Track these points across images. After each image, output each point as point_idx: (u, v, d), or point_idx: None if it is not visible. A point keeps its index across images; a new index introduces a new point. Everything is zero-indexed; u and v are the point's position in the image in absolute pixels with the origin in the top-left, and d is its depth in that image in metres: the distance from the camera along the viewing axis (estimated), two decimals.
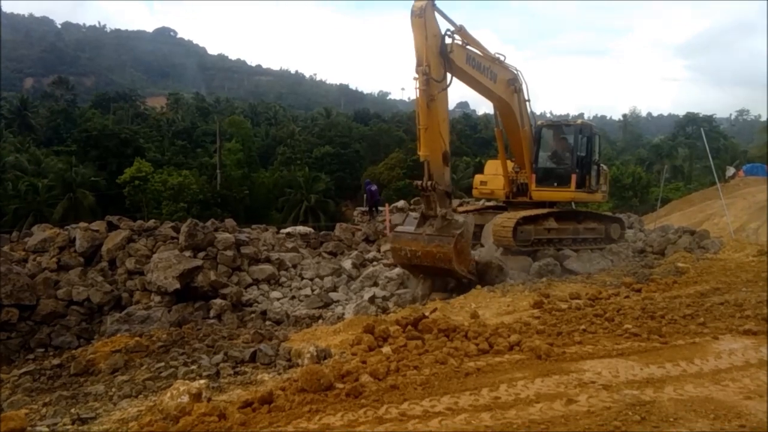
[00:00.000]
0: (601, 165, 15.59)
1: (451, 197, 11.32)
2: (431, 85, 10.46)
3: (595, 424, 4.14)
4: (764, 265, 12.06)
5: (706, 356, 5.82)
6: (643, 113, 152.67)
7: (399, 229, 11.72)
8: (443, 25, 11.06)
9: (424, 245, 10.85)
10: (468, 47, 11.71)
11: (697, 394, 4.75)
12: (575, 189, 14.10)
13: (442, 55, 10.84)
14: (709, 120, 73.97)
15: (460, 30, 11.57)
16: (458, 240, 10.64)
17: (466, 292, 10.57)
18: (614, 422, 4.15)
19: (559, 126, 15.95)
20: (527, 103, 14.23)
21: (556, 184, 14.47)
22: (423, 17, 10.37)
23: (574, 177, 14.06)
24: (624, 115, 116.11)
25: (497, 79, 12.81)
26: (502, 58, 13.05)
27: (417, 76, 10.52)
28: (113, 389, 6.56)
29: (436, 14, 10.88)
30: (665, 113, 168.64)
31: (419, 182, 10.95)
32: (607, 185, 16.17)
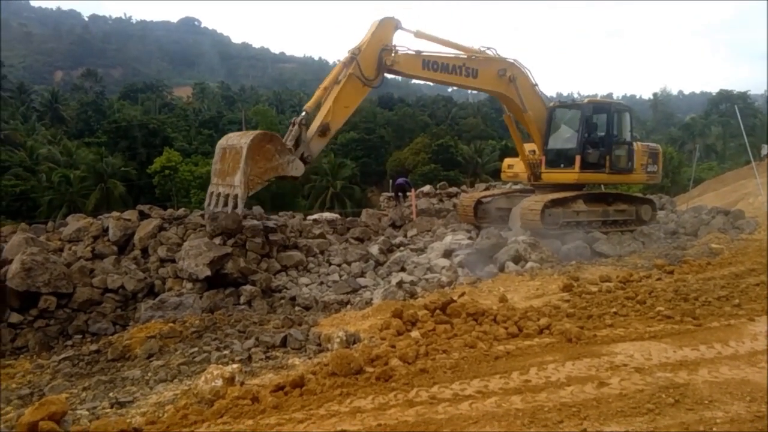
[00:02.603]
0: (638, 143, 15.10)
1: (305, 164, 11.32)
2: (351, 66, 11.49)
3: (627, 407, 4.11)
4: None
5: (742, 338, 5.72)
6: (674, 92, 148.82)
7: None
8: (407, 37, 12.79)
9: (247, 131, 11.32)
10: (424, 53, 12.47)
11: (732, 376, 4.68)
12: (580, 170, 13.81)
13: (379, 63, 11.80)
14: (743, 97, 71.66)
15: (419, 35, 12.64)
16: (275, 138, 10.75)
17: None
18: (647, 405, 4.11)
19: (569, 106, 15.65)
20: (536, 87, 14.42)
21: (562, 165, 14.27)
22: (379, 24, 11.89)
23: (578, 158, 13.81)
24: (654, 94, 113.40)
25: (479, 73, 13.24)
26: (491, 52, 13.59)
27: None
28: (149, 374, 6.72)
29: (402, 31, 12.24)
30: (697, 91, 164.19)
31: (295, 117, 11.58)
32: (658, 165, 15.62)
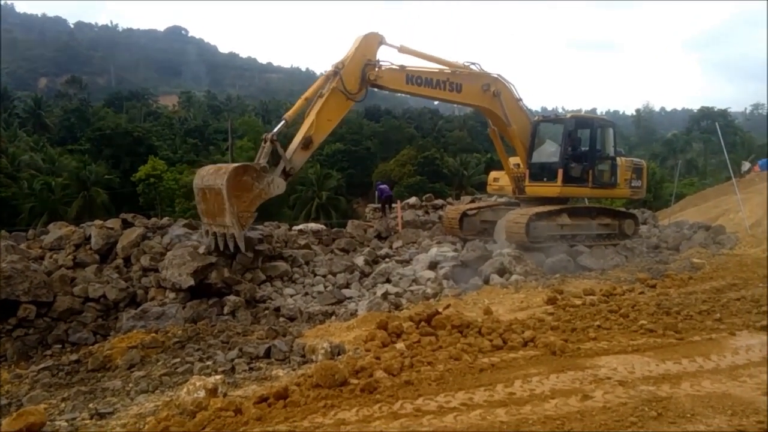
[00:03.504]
0: (622, 158, 15.27)
1: (288, 177, 11.37)
2: (335, 80, 11.59)
3: (611, 420, 4.13)
4: None
5: (723, 352, 5.78)
6: (657, 108, 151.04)
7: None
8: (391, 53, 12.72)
9: (219, 165, 11.11)
10: (408, 68, 12.64)
11: (714, 390, 4.72)
12: (563, 184, 13.93)
13: (362, 77, 11.92)
14: (723, 114, 73.00)
15: (403, 50, 12.71)
16: (248, 168, 10.62)
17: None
18: (630, 418, 4.13)
19: (552, 121, 15.82)
20: (520, 101, 14.62)
21: (545, 179, 14.40)
22: (363, 39, 12.03)
23: (560, 172, 13.94)
24: (637, 110, 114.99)
25: (463, 88, 13.39)
26: (475, 67, 13.77)
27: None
28: (130, 384, 6.63)
29: (386, 46, 12.37)
30: (679, 108, 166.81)
31: (265, 134, 11.51)
32: (642, 180, 15.76)
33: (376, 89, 12.90)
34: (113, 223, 12.50)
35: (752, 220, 19.57)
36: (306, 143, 11.51)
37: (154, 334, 8.44)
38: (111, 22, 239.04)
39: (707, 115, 74.52)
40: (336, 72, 11.66)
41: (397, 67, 12.42)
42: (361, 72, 11.90)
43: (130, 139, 52.52)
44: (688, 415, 4.18)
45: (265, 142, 11.24)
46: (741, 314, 7.34)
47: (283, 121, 11.47)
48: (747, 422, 4.04)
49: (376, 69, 12.03)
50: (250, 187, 10.56)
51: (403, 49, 12.78)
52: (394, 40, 12.59)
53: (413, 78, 12.70)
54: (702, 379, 5.00)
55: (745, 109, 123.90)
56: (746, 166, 36.16)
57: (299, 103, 11.91)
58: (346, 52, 12.08)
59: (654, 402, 4.43)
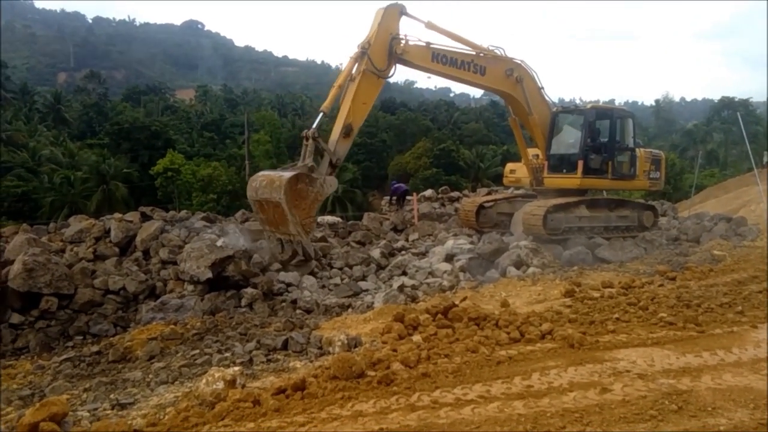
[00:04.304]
0: (641, 150, 15.08)
1: (335, 169, 11.49)
2: (363, 61, 11.55)
3: (630, 413, 4.10)
4: None
5: (745, 345, 5.71)
6: (676, 98, 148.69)
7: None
8: (413, 26, 12.60)
9: (271, 176, 11.09)
10: (434, 45, 12.53)
11: (735, 383, 4.66)
12: (583, 175, 13.79)
13: (390, 53, 11.87)
14: (745, 104, 71.56)
15: (430, 26, 12.61)
16: (301, 176, 10.70)
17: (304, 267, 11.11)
18: (650, 411, 4.10)
19: (572, 111, 15.66)
20: (542, 90, 14.46)
21: (565, 170, 14.26)
22: (384, 12, 11.82)
23: (581, 163, 13.81)
24: (656, 101, 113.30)
25: (487, 71, 13.31)
26: (499, 51, 13.63)
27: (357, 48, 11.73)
28: (150, 375, 6.70)
29: (407, 18, 12.18)
30: (699, 98, 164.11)
31: (305, 131, 11.44)
32: (661, 172, 15.62)
33: (393, 80, 12.88)
34: (132, 216, 12.65)
35: None
36: (347, 131, 11.59)
37: (173, 326, 8.53)
38: (128, 17, 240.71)
39: (728, 105, 73.12)
40: (363, 53, 11.61)
41: (424, 44, 12.39)
42: (388, 47, 11.86)
43: (148, 133, 52.90)
44: (709, 409, 4.13)
45: (307, 140, 11.29)
46: (763, 307, 7.22)
47: (321, 114, 11.51)
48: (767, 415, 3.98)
49: (402, 44, 12.01)
50: (306, 193, 10.82)
51: (429, 25, 12.71)
52: (420, 14, 12.50)
53: (439, 56, 12.64)
54: (723, 372, 4.93)
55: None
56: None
57: (333, 91, 11.82)
58: (369, 30, 11.99)
59: (674, 395, 4.38)
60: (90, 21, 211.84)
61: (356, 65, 11.74)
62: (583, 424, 3.97)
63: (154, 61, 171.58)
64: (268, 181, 10.93)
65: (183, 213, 13.53)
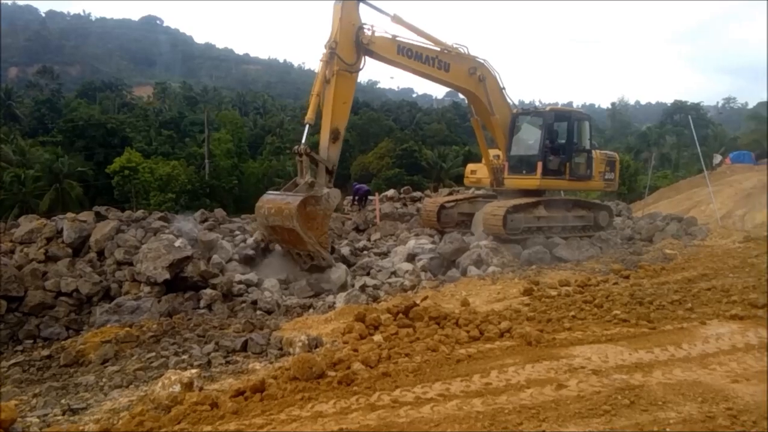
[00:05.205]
0: (597, 151, 15.43)
1: (332, 174, 11.77)
2: (334, 62, 11.59)
3: (585, 409, 4.19)
4: (750, 251, 12.20)
5: (694, 341, 5.90)
6: (631, 101, 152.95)
7: (270, 192, 12.34)
8: (379, 19, 12.87)
9: (278, 202, 11.30)
10: (399, 39, 12.64)
11: (685, 378, 4.81)
12: (542, 176, 14.08)
13: (357, 45, 11.92)
14: (696, 108, 74.27)
15: (396, 20, 12.65)
16: (308, 200, 11.01)
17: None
18: (604, 406, 4.20)
19: (531, 113, 15.96)
20: (503, 90, 14.66)
21: (525, 171, 14.53)
22: (342, 5, 11.72)
23: (539, 164, 14.09)
24: (612, 104, 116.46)
25: (451, 68, 13.48)
26: (463, 49, 13.77)
27: (324, 50, 11.74)
28: (104, 379, 6.52)
29: (367, 6, 12.22)
30: (653, 101, 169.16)
31: (296, 146, 11.59)
32: (615, 173, 16.01)
33: (369, 57, 12.59)
34: (86, 215, 12.27)
35: (723, 211, 20.03)
36: (335, 136, 11.72)
37: (128, 329, 8.32)
38: (84, 11, 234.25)
39: (680, 108, 75.75)
40: (332, 53, 11.60)
41: (390, 36, 12.46)
42: (354, 38, 11.90)
43: (104, 131, 51.44)
44: (660, 403, 4.26)
45: (300, 156, 11.42)
46: (711, 304, 7.49)
47: (307, 126, 11.53)
48: (717, 409, 4.13)
49: (369, 33, 12.04)
50: (315, 214, 11.18)
51: (396, 19, 12.77)
52: (387, 8, 12.62)
53: (404, 49, 12.75)
54: (673, 367, 5.09)
55: (717, 102, 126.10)
56: (718, 158, 36.85)
57: (313, 100, 11.74)
58: (331, 27, 11.93)
59: (627, 390, 4.50)
60: (43, 15, 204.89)
61: (328, 68, 11.71)
62: (540, 420, 4.05)
63: (111, 57, 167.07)
64: (276, 209, 11.14)
65: (140, 213, 13.21)
